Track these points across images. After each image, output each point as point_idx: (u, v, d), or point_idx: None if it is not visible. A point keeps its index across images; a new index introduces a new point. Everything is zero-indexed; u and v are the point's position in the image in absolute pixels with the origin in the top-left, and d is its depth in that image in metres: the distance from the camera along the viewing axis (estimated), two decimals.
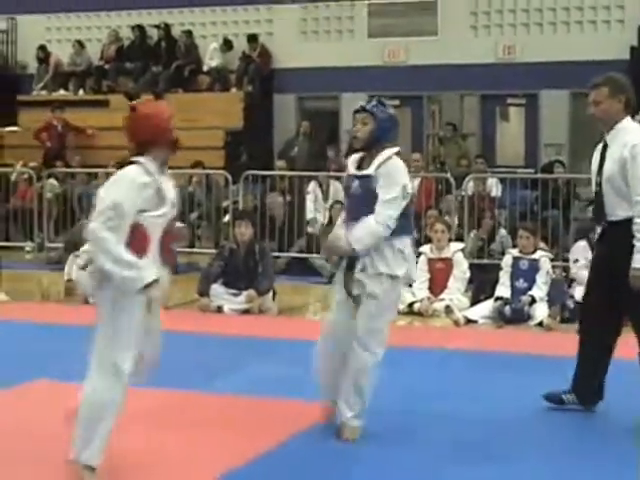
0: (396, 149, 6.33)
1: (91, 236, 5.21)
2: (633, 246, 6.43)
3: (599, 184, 6.83)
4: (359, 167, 6.40)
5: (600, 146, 7.01)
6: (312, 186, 15.38)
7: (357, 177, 6.35)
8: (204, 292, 11.17)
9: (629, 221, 6.52)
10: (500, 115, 19.83)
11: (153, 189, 5.34)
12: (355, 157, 6.51)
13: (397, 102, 19.79)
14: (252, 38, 19.88)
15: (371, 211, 6.17)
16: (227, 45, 20.17)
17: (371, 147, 6.31)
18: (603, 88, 7.01)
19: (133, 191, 5.24)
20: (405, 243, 6.31)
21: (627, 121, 6.87)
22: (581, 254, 11.74)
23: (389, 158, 6.26)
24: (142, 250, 5.28)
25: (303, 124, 18.36)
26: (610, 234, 6.71)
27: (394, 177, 6.20)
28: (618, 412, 6.93)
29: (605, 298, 6.68)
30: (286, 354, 8.83)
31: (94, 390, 5.31)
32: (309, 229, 14.96)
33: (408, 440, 6.27)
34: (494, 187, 14.96)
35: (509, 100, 19.65)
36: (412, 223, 6.55)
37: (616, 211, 6.65)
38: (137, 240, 5.27)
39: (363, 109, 6.35)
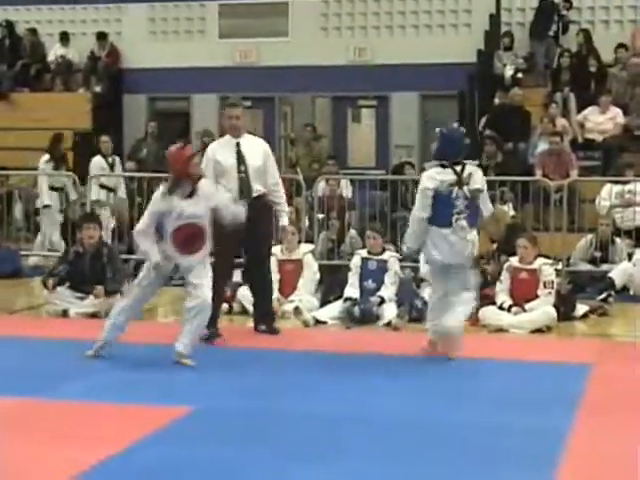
0: None
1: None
2: None
3: None
4: None
5: None
6: (161, 188, 15.15)
7: None
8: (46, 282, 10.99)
9: None
10: (352, 117, 19.98)
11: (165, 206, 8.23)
12: None
13: (249, 103, 19.75)
14: (101, 37, 19.55)
15: None
16: (64, 41, 19.76)
17: None
18: None
19: (156, 205, 8.33)
20: None
21: None
22: None
23: None
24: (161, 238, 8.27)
25: (150, 125, 18.11)
26: None
27: None
28: (459, 411, 7.02)
29: None
30: (133, 358, 8.67)
31: None
32: None
33: (252, 439, 6.20)
34: (345, 188, 15.03)
35: (360, 102, 19.83)
36: None
37: None
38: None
39: None
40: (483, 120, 16.77)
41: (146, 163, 17.37)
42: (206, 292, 8.31)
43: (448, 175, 8.52)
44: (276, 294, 11.06)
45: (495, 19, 18.36)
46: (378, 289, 10.79)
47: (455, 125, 10.01)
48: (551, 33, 17.96)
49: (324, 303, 11.05)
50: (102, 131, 16.30)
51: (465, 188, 8.53)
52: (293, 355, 8.93)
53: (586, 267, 13.10)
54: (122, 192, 15.30)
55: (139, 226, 8.48)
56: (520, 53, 17.95)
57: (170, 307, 12.20)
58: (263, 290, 9.90)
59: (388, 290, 10.75)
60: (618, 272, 12.28)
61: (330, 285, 11.59)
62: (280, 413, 6.88)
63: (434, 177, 8.54)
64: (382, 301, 10.69)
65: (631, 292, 12.50)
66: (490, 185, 14.03)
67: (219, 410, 6.92)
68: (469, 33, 18.72)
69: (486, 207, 8.83)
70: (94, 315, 10.77)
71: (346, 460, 5.82)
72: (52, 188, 15.17)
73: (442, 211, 8.50)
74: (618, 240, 13.22)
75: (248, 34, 19.41)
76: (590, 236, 13.32)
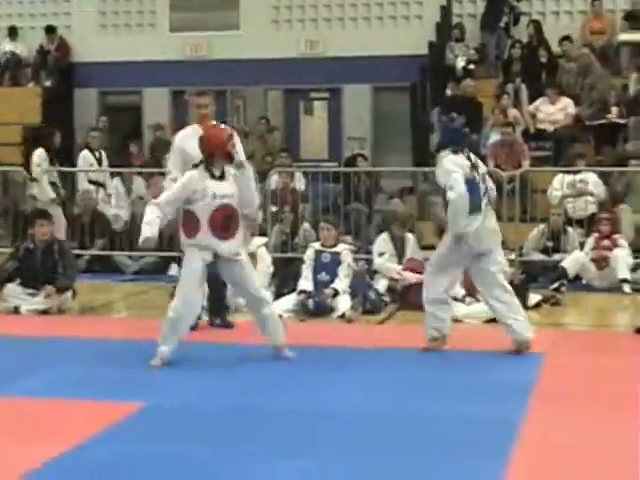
0: None
1: None
2: None
3: None
4: None
5: None
6: (114, 182, 15.09)
7: None
8: None
9: None
10: (304, 109, 19.96)
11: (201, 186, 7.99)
12: None
13: None
14: (50, 31, 19.37)
15: None
16: (13, 36, 19.56)
17: None
18: None
19: (191, 182, 8.09)
20: None
21: None
22: (384, 246, 11.93)
23: None
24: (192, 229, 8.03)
25: (101, 119, 18.01)
26: None
27: None
28: (413, 402, 7.03)
29: None
30: (87, 354, 8.63)
31: None
32: (114, 226, 14.67)
33: (204, 435, 6.17)
34: (298, 181, 15.02)
35: (313, 94, 19.82)
36: None
37: None
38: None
39: None
40: (435, 111, 16.80)
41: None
42: (265, 294, 8.53)
43: (464, 160, 8.46)
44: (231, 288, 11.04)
45: (446, 11, 18.41)
46: (332, 281, 10.79)
47: (453, 115, 10.06)
48: (502, 24, 18.04)
49: (278, 296, 11.02)
50: (52, 125, 16.16)
51: (480, 171, 8.54)
52: (247, 349, 8.88)
53: (538, 257, 13.18)
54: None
55: (167, 196, 8.13)
56: (471, 44, 18.00)
57: (123, 303, 12.16)
58: (216, 284, 9.85)
59: (342, 282, 10.75)
60: (570, 261, 12.38)
61: (284, 278, 11.57)
62: (234, 408, 6.84)
63: (456, 162, 8.41)
64: (336, 293, 10.69)
65: (583, 281, 12.61)
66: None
67: (171, 406, 6.87)
68: (421, 25, 18.75)
69: (494, 190, 8.89)
70: (45, 312, 10.67)
71: (306, 456, 5.80)
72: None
73: (471, 196, 8.32)
74: (570, 230, 13.31)
75: (199, 27, 19.34)
76: (542, 226, 13.41)
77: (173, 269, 13.70)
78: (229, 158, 8.19)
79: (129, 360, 8.28)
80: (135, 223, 14.28)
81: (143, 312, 11.30)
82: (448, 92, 17.15)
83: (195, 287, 8.08)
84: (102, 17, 19.88)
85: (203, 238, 8.00)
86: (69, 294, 10.92)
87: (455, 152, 8.46)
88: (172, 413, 6.69)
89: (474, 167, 8.47)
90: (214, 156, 8.11)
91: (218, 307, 9.90)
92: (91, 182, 15.07)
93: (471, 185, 8.31)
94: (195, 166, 8.21)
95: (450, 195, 8.27)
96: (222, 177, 8.12)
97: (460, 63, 17.54)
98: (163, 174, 15.02)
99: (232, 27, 19.28)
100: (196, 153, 9.33)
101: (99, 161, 15.37)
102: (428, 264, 8.91)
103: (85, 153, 15.32)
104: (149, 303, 11.86)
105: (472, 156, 8.63)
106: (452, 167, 8.33)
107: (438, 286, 8.55)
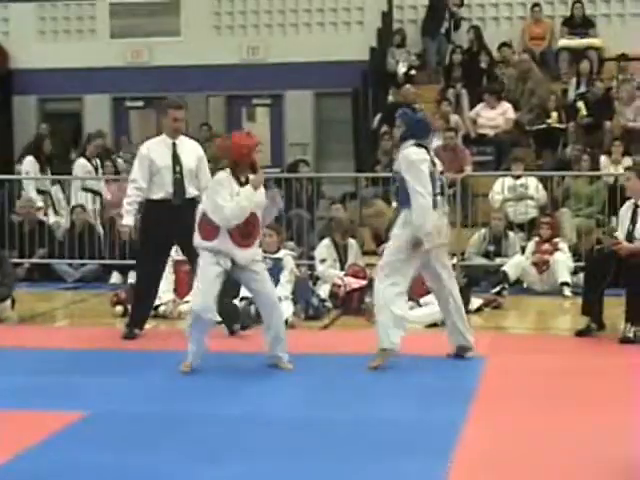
0: None
1: None
2: None
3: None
4: None
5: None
6: (54, 190, 14.94)
7: None
8: None
9: None
10: (246, 116, 19.93)
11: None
12: None
13: (141, 104, 19.61)
14: None
15: None
16: None
17: None
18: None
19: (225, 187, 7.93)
20: None
21: None
22: (326, 253, 11.92)
23: None
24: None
25: (41, 126, 17.86)
26: None
27: None
28: (354, 406, 7.03)
29: None
30: (27, 364, 8.52)
31: None
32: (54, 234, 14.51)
33: (147, 444, 6.12)
34: None
35: (255, 101, 19.79)
36: None
37: None
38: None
39: None
40: (377, 118, 16.85)
41: None
42: (275, 298, 8.40)
43: (426, 155, 8.16)
44: (172, 295, 10.97)
45: (387, 16, 18.46)
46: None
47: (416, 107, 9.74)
48: (443, 30, 18.14)
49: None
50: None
51: (437, 168, 8.26)
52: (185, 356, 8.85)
53: (480, 261, 13.25)
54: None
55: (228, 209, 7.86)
56: (413, 50, 18.08)
57: (64, 311, 12.04)
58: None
59: (284, 288, 10.71)
60: (511, 265, 12.46)
61: (226, 285, 11.48)
62: (176, 416, 6.80)
63: (419, 154, 8.09)
64: (278, 299, 10.63)
65: (524, 285, 12.70)
66: (385, 181, 14.22)
67: (114, 415, 6.81)
68: (362, 30, 18.82)
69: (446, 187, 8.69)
70: None
71: (243, 461, 5.78)
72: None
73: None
74: (511, 234, 13.40)
75: (140, 33, 19.23)
76: (484, 230, 13.48)
77: (114, 277, 13.62)
78: (254, 167, 8.02)
79: (70, 369, 8.20)
80: (75, 231, 14.18)
81: (84, 320, 11.19)
82: (390, 98, 17.21)
83: (211, 287, 8.08)
84: (41, 23, 19.70)
85: (221, 243, 7.96)
86: (7, 303, 10.78)
87: (418, 145, 8.17)
88: (113, 422, 6.64)
89: (432, 162, 8.22)
90: (239, 164, 7.95)
91: (226, 315, 9.81)
92: (87, 190, 14.91)
93: (431, 180, 8.09)
94: (220, 169, 8.17)
95: (420, 193, 7.93)
96: (246, 184, 7.96)
97: (401, 69, 17.61)
98: (107, 181, 15.09)
99: (173, 33, 19.20)
100: (164, 163, 9.32)
101: (96, 169, 15.25)
102: (379, 270, 8.42)
103: (82, 162, 15.15)
104: (90, 311, 11.75)
105: (431, 151, 8.42)
106: (418, 157, 8.04)
107: (395, 289, 8.15)
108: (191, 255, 9.74)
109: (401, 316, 8.19)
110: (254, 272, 8.15)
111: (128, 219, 9.53)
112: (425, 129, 8.46)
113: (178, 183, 9.44)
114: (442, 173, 8.40)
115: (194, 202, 9.47)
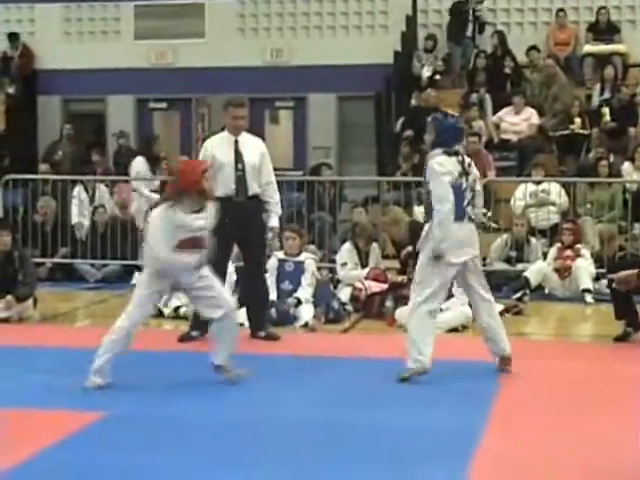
0: None
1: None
2: None
3: None
4: None
5: None
6: (77, 190, 14.99)
7: None
8: None
9: None
10: (269, 118, 19.94)
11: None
12: None
13: (165, 105, 19.67)
14: (13, 37, 19.25)
15: None
16: None
17: None
18: None
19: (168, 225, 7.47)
20: None
21: None
22: (347, 257, 11.92)
23: None
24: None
25: (65, 127, 17.94)
26: None
27: None
28: (373, 411, 7.01)
29: None
30: (47, 363, 8.54)
31: None
32: (77, 234, 14.57)
33: (162, 445, 6.12)
34: None
35: (278, 103, 19.79)
36: None
37: None
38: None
39: None
40: (400, 121, 16.83)
41: (60, 165, 17.18)
42: (228, 297, 7.93)
43: (455, 165, 7.94)
44: None
45: (411, 20, 18.43)
46: (295, 290, 10.77)
47: (448, 112, 9.04)
48: (469, 34, 18.10)
49: (241, 305, 10.97)
50: (16, 133, 16.11)
51: (470, 177, 8.03)
52: (208, 358, 8.84)
53: (502, 266, 13.20)
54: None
55: (164, 253, 7.47)
56: (439, 55, 18.05)
57: (85, 311, 12.08)
58: (254, 298, 9.78)
59: (305, 291, 10.73)
60: (533, 271, 12.42)
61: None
62: (194, 418, 6.81)
63: (444, 165, 7.88)
64: (299, 302, 10.67)
65: (546, 291, 12.65)
66: (406, 185, 14.21)
67: (132, 416, 6.83)
68: (385, 34, 18.79)
69: (482, 197, 8.36)
70: (6, 320, 10.59)
71: (261, 464, 5.78)
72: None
73: (454, 204, 7.83)
74: (533, 239, 13.36)
75: (164, 35, 19.27)
76: (506, 236, 13.43)
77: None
78: (203, 195, 7.60)
79: (90, 369, 8.21)
80: (97, 231, 14.23)
81: (105, 320, 11.21)
82: (413, 102, 17.19)
83: None
84: (66, 24, 19.77)
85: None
86: (30, 303, 10.84)
87: (448, 154, 7.95)
88: (131, 423, 6.65)
89: (464, 172, 7.97)
90: (187, 193, 7.49)
91: (259, 320, 9.77)
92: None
93: (456, 192, 7.86)
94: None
95: (439, 206, 7.78)
96: (199, 210, 7.60)
97: (426, 73, 17.58)
98: (127, 182, 15.09)
99: (197, 35, 19.24)
100: (226, 160, 9.34)
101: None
102: (413, 283, 8.17)
103: (141, 160, 14.28)
104: (111, 312, 11.76)
105: (466, 159, 8.12)
106: (440, 170, 7.86)
107: (424, 307, 7.90)
108: (248, 253, 9.80)
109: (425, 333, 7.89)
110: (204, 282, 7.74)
111: None
112: (455, 136, 8.19)
113: (240, 180, 9.45)
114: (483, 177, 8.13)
115: (257, 199, 9.56)
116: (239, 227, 9.32)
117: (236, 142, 9.53)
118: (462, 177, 7.96)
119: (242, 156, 9.50)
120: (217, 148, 9.52)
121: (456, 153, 8.03)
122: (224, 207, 9.27)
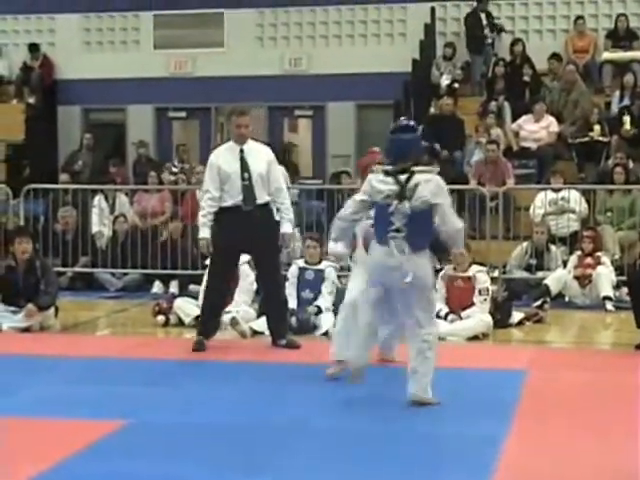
0: None
1: None
2: None
3: None
4: None
5: None
6: (97, 199, 15.05)
7: None
8: None
9: None
10: (288, 127, 19.97)
11: None
12: None
13: (184, 114, 19.73)
14: (33, 48, 19.34)
15: None
16: None
17: None
18: None
19: None
20: None
21: None
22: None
23: None
24: None
25: (86, 136, 18.02)
26: None
27: None
28: (394, 420, 7.01)
29: None
30: (69, 372, 8.58)
31: None
32: (97, 243, 14.62)
33: (185, 454, 6.14)
34: None
35: (297, 112, 19.81)
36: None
37: None
38: None
39: None
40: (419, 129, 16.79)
41: (81, 175, 17.25)
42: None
43: (388, 185, 7.21)
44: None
45: (430, 29, 18.43)
46: (315, 299, 10.78)
47: (403, 120, 7.89)
48: (489, 41, 18.07)
49: (261, 314, 10.98)
50: (36, 143, 16.17)
51: (406, 203, 7.16)
52: (227, 366, 8.87)
53: (522, 274, 13.19)
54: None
55: None
56: (457, 63, 18.04)
57: (106, 320, 12.12)
58: (274, 305, 9.80)
59: (325, 300, 10.74)
60: (553, 279, 12.39)
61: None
62: (216, 426, 6.81)
63: (372, 184, 7.30)
64: (319, 311, 10.68)
65: (566, 299, 12.62)
66: None
67: (153, 424, 6.84)
68: (404, 42, 18.78)
69: (447, 223, 7.28)
70: (27, 329, 10.63)
71: (282, 472, 5.79)
72: None
73: (378, 226, 7.37)
74: (553, 247, 13.34)
75: (183, 45, 19.33)
76: (525, 244, 13.43)
77: (156, 286, 13.68)
78: None
79: (111, 378, 8.25)
80: (118, 240, 14.29)
81: (126, 330, 11.26)
82: (432, 110, 17.18)
83: None
84: (86, 34, 19.85)
85: None
86: (51, 312, 10.87)
87: (386, 172, 7.27)
88: (152, 431, 6.66)
89: (401, 195, 7.15)
90: None
91: (279, 329, 9.77)
92: None
93: (379, 213, 7.29)
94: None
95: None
96: None
97: (445, 81, 17.57)
98: (147, 191, 15.16)
99: (216, 44, 19.28)
100: (232, 170, 9.35)
101: None
102: None
103: None
104: (132, 321, 11.83)
105: (417, 179, 7.19)
106: (365, 187, 7.37)
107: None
108: (260, 262, 9.81)
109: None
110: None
111: (204, 232, 9.44)
112: (402, 152, 7.32)
113: (247, 189, 9.42)
114: (430, 205, 7.25)
115: (266, 208, 9.54)
116: (249, 236, 9.32)
117: (241, 151, 9.50)
118: (394, 199, 7.19)
119: (248, 165, 9.46)
120: (223, 159, 9.52)
121: (399, 172, 7.23)
122: (232, 217, 9.35)
